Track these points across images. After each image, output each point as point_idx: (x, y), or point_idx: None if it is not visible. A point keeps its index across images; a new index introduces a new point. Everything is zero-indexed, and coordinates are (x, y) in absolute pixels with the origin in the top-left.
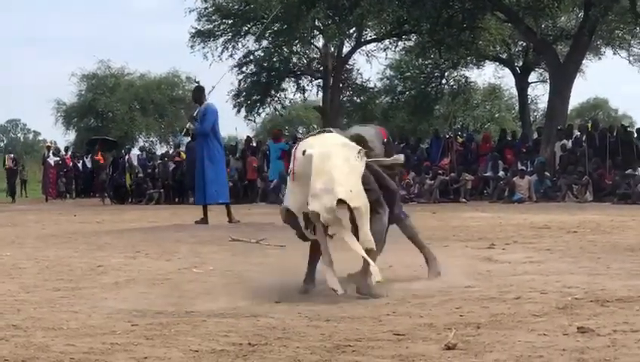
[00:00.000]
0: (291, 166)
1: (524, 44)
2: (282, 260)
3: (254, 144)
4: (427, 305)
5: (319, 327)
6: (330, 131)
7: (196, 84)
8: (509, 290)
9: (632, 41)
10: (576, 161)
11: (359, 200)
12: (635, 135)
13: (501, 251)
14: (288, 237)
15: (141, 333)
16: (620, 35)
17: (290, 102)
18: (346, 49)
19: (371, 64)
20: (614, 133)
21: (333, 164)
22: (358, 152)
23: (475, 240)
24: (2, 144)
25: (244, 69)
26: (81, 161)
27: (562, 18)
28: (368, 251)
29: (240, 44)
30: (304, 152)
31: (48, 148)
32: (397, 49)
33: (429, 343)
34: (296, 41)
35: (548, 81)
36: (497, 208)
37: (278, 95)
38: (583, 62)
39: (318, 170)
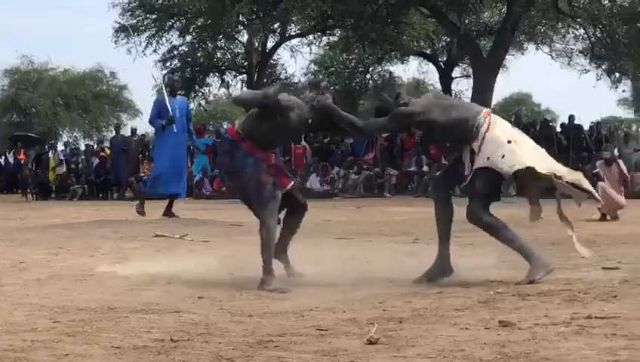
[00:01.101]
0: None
1: (448, 39)
2: (206, 255)
3: None
4: (350, 300)
5: (242, 323)
6: None
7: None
8: (431, 285)
9: (554, 37)
10: None
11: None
12: (558, 129)
13: (425, 246)
14: (211, 233)
15: (62, 330)
16: (542, 30)
17: (214, 96)
18: (270, 44)
19: (295, 59)
20: (537, 128)
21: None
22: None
23: (400, 234)
24: None
25: (168, 64)
26: (3, 157)
27: (486, 14)
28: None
29: (164, 39)
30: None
31: None
32: (321, 44)
33: (351, 338)
34: (221, 37)
35: (471, 76)
36: (422, 203)
37: (202, 90)
38: (506, 57)
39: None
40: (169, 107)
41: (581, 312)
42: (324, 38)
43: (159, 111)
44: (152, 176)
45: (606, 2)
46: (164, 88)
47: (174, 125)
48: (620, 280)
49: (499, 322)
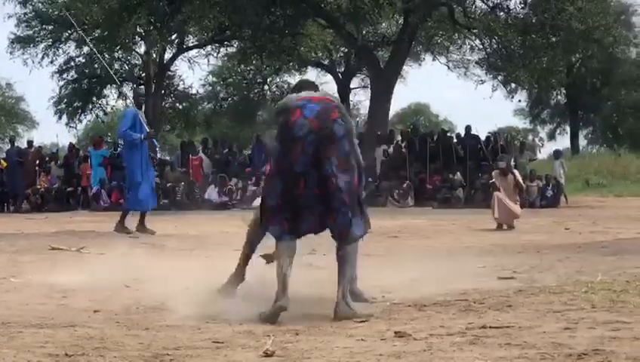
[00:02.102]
0: None
1: (346, 50)
2: (102, 268)
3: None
4: (248, 313)
5: (138, 336)
6: None
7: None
8: (327, 296)
9: (450, 47)
10: (397, 166)
11: None
12: (455, 140)
13: (322, 256)
14: (108, 245)
15: None
16: (439, 41)
17: (112, 108)
18: (167, 55)
19: (193, 70)
20: (434, 138)
21: None
22: None
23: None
24: None
25: (65, 75)
26: None
27: (383, 24)
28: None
29: (61, 50)
30: None
31: None
32: (219, 55)
33: (247, 350)
34: (118, 48)
35: (369, 86)
36: None
37: (99, 101)
38: (404, 67)
39: None
40: (144, 120)
41: (476, 322)
42: (222, 50)
43: (134, 124)
44: (131, 192)
45: (501, 14)
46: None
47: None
48: (514, 290)
49: (394, 333)
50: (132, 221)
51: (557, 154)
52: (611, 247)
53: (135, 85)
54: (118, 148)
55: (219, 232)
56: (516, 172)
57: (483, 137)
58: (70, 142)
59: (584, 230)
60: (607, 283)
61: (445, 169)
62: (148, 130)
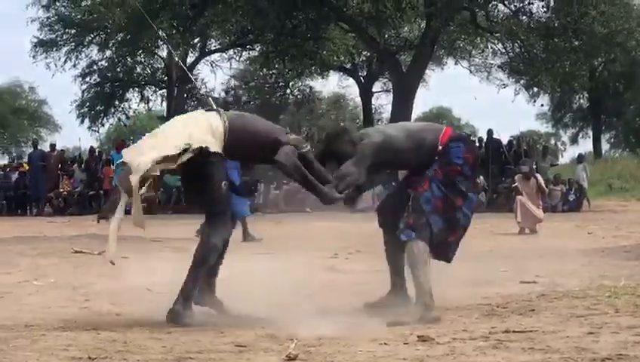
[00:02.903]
0: None
1: (368, 54)
2: (124, 271)
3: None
4: (270, 317)
5: (160, 340)
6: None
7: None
8: (349, 300)
9: (472, 51)
10: None
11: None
12: (477, 143)
13: (344, 261)
14: (131, 249)
15: None
16: (461, 45)
17: (134, 112)
18: (190, 59)
19: (216, 74)
20: None
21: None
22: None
23: (319, 249)
24: None
25: (87, 79)
26: None
27: (405, 28)
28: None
29: (83, 54)
30: None
31: None
32: (241, 59)
33: (270, 354)
34: (140, 51)
35: (391, 90)
36: (342, 217)
37: (122, 105)
38: (426, 71)
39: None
40: None
41: (499, 326)
42: (244, 53)
43: None
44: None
45: (523, 18)
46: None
47: None
48: (537, 294)
49: (417, 337)
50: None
51: (580, 158)
52: (634, 251)
53: (160, 88)
54: None
55: (239, 236)
56: (539, 176)
57: (505, 141)
58: (91, 146)
59: (607, 234)
60: (631, 288)
61: None
62: None
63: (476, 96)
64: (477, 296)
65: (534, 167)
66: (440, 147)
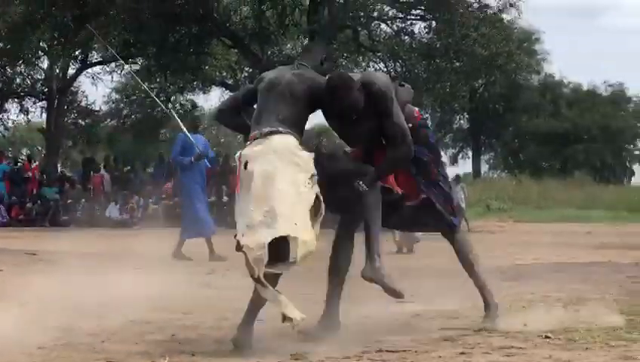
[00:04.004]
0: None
1: (251, 70)
2: None
3: None
4: (144, 333)
5: (32, 355)
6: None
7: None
8: (226, 317)
9: (355, 70)
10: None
11: (307, 234)
12: None
13: (220, 277)
14: (5, 261)
15: None
16: (343, 63)
17: (13, 123)
18: (71, 71)
19: (97, 87)
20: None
21: (277, 190)
22: (310, 177)
23: (196, 265)
24: None
25: None
26: None
27: (288, 45)
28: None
29: None
30: (246, 165)
31: None
32: (123, 72)
33: None
34: (20, 62)
35: None
36: (223, 233)
37: (0, 116)
38: None
39: (258, 194)
40: (194, 143)
41: (373, 346)
42: (126, 66)
43: (183, 148)
44: (191, 220)
45: (405, 38)
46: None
47: (205, 160)
48: (412, 314)
49: (291, 356)
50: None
51: (457, 179)
52: (509, 272)
53: (40, 100)
54: (19, 163)
55: (118, 250)
56: None
57: None
58: None
59: (484, 255)
60: (504, 309)
61: None
62: (198, 152)
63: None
64: (353, 314)
65: None
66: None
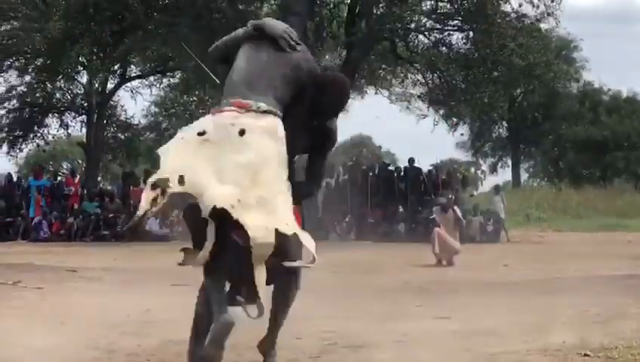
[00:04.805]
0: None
1: None
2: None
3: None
4: (183, 353)
5: None
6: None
7: None
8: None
9: (393, 80)
10: (338, 200)
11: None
12: (395, 173)
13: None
14: (46, 279)
15: None
16: (381, 74)
17: (53, 137)
18: (110, 85)
19: (136, 100)
20: (375, 172)
21: (270, 180)
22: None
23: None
24: None
25: (5, 104)
26: None
27: (326, 57)
28: None
29: (2, 79)
30: (242, 132)
31: None
32: (161, 85)
33: None
34: (60, 77)
35: None
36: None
37: (41, 130)
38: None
39: (253, 171)
40: None
41: None
42: (165, 80)
43: None
44: None
45: (443, 49)
46: None
47: None
48: (451, 331)
49: None
50: None
51: (497, 189)
52: (548, 286)
53: (80, 114)
54: (59, 178)
55: (158, 266)
56: (456, 208)
57: (425, 170)
58: (8, 172)
59: (523, 267)
60: (542, 326)
61: (386, 202)
62: None
63: (388, 122)
64: (391, 331)
65: (453, 197)
66: None
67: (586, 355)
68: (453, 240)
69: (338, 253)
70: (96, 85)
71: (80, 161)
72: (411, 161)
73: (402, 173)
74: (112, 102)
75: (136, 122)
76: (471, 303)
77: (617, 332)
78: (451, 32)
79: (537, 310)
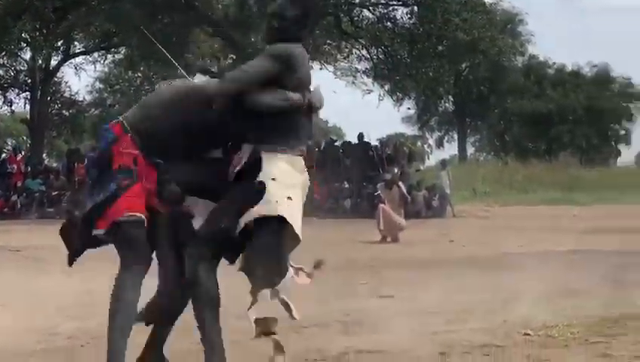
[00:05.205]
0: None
1: (234, 57)
2: None
3: None
4: None
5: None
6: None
7: None
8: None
9: (338, 56)
10: None
11: None
12: (341, 149)
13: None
14: None
15: None
16: (326, 50)
17: None
18: (54, 62)
19: (80, 77)
20: (321, 147)
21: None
22: None
23: None
24: None
25: None
26: None
27: None
28: None
29: None
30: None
31: None
32: (106, 62)
33: None
34: (3, 54)
35: None
36: None
37: None
38: None
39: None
40: None
41: (353, 345)
42: (109, 56)
43: None
44: None
45: (388, 24)
46: None
47: None
48: (393, 310)
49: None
50: None
51: (443, 164)
52: (494, 263)
53: (23, 90)
54: (3, 154)
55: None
56: (401, 184)
57: (374, 144)
58: None
59: (468, 243)
60: (485, 301)
61: (332, 178)
62: None
63: (334, 97)
64: (334, 311)
65: (399, 172)
66: None
67: (526, 334)
68: (398, 216)
69: None
70: (40, 62)
71: (24, 138)
72: (360, 136)
73: (348, 149)
74: (56, 79)
75: (80, 98)
76: (415, 281)
77: (559, 310)
78: (396, 7)
79: (481, 287)
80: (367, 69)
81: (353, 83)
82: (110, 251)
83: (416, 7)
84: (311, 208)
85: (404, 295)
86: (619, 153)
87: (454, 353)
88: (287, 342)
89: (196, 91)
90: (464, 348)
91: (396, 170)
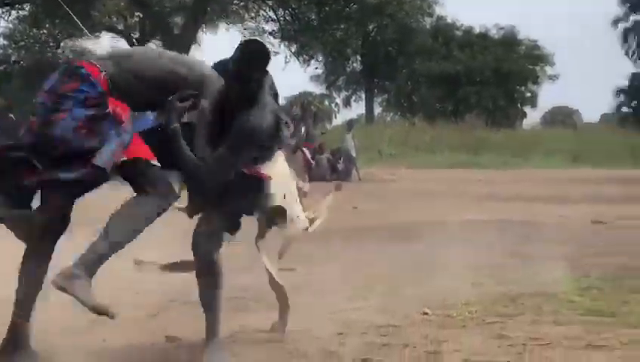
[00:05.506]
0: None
1: (141, 15)
2: None
3: None
4: None
5: None
6: None
7: None
8: None
9: (245, 16)
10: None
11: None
12: None
13: None
14: None
15: None
16: (233, 9)
17: None
18: None
19: None
20: None
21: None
22: None
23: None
24: None
25: None
26: None
27: None
28: None
29: None
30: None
31: None
32: (10, 18)
33: None
34: None
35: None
36: None
37: None
38: (200, 34)
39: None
40: None
41: (249, 324)
42: (14, 12)
43: None
44: None
45: None
46: None
47: None
48: (293, 285)
49: (165, 337)
50: None
51: (349, 126)
52: (394, 233)
53: None
54: None
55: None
56: (305, 150)
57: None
58: None
59: (372, 209)
60: (387, 276)
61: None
62: None
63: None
64: (231, 286)
65: (304, 134)
66: None
67: (425, 314)
68: (302, 181)
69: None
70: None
71: None
72: None
73: None
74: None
75: None
76: (316, 253)
77: (459, 287)
78: None
79: (383, 261)
80: (274, 30)
81: None
82: None
83: None
84: None
85: (304, 269)
86: (525, 115)
87: (352, 333)
88: (180, 322)
89: None
90: (362, 328)
91: (303, 130)
